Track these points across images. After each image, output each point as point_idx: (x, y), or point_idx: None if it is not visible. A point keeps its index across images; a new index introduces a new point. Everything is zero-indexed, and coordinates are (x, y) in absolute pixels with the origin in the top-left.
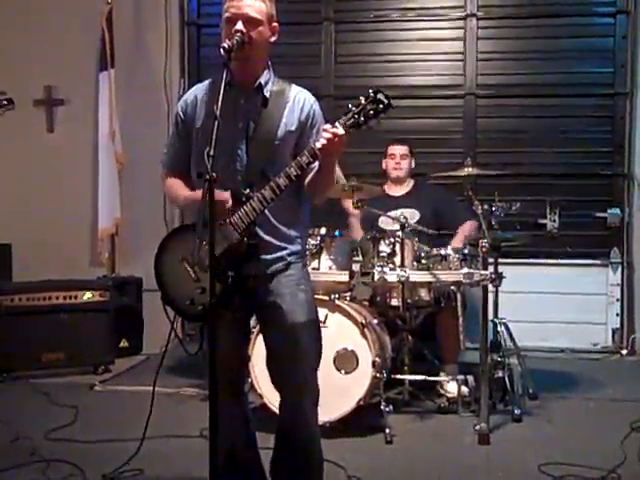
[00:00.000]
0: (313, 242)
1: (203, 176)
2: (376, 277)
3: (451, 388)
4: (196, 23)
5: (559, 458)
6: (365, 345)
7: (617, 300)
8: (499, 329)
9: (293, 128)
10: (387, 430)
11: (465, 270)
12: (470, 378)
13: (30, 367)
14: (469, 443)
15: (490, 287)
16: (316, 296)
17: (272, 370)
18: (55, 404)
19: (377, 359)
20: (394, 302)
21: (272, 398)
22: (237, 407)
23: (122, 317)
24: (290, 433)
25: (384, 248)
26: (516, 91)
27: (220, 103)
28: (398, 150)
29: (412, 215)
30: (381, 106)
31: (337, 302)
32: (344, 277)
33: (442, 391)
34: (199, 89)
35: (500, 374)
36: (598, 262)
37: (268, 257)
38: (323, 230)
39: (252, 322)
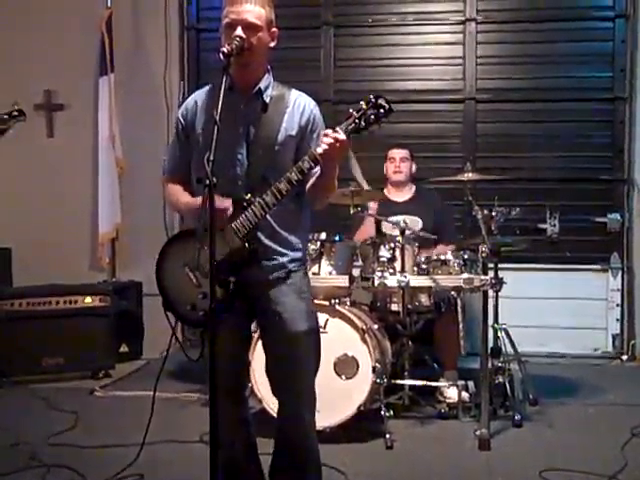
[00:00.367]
0: (313, 247)
1: (203, 181)
2: (376, 282)
3: (451, 393)
4: (196, 28)
5: (560, 464)
6: (365, 350)
7: (617, 305)
8: (499, 334)
9: (293, 133)
10: (387, 435)
11: (465, 275)
12: (470, 384)
13: (30, 372)
14: (469, 449)
15: (490, 292)
16: (316, 301)
17: (271, 377)
18: (55, 409)
19: (377, 364)
20: (394, 307)
21: (272, 403)
22: (237, 412)
23: (122, 322)
24: (288, 440)
25: (384, 253)
26: (516, 96)
27: (220, 108)
28: (398, 154)
29: (415, 223)
30: (382, 111)
31: (337, 307)
32: (344, 282)
33: (441, 398)
34: (199, 95)
35: (500, 379)
36: (598, 267)
37: (269, 263)
38: (323, 235)
39: (253, 327)
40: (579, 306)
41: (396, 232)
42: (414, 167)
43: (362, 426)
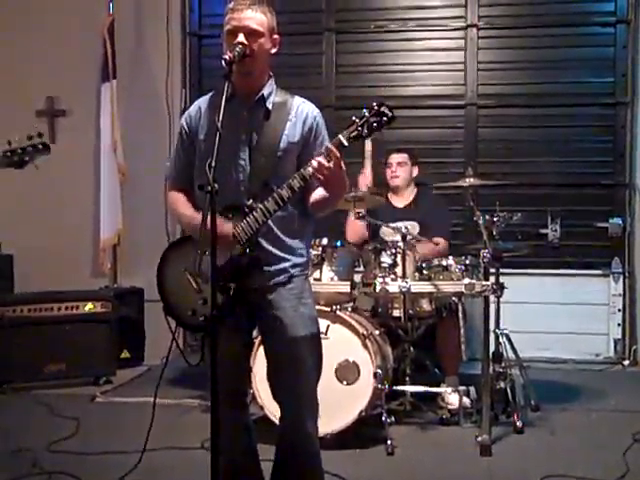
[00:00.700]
0: (315, 252)
1: (204, 188)
2: (378, 288)
3: (453, 399)
4: (197, 34)
5: (561, 469)
6: (367, 356)
7: (619, 310)
8: (501, 340)
9: (296, 140)
10: (389, 441)
11: (467, 281)
12: (472, 389)
13: (31, 378)
14: (471, 454)
15: (492, 298)
16: (317, 307)
17: (272, 384)
18: (56, 415)
19: (379, 370)
20: (396, 313)
21: (273, 409)
22: (239, 418)
23: (123, 328)
24: (290, 447)
25: (386, 259)
26: (517, 101)
27: (222, 115)
28: (395, 159)
29: (412, 228)
30: (385, 119)
31: (339, 313)
32: (346, 288)
33: (443, 404)
34: (202, 102)
35: (502, 385)
36: (600, 272)
37: (271, 269)
38: (325, 240)
39: (254, 332)
40: (580, 311)
41: (397, 237)
42: (415, 171)
43: (363, 432)
